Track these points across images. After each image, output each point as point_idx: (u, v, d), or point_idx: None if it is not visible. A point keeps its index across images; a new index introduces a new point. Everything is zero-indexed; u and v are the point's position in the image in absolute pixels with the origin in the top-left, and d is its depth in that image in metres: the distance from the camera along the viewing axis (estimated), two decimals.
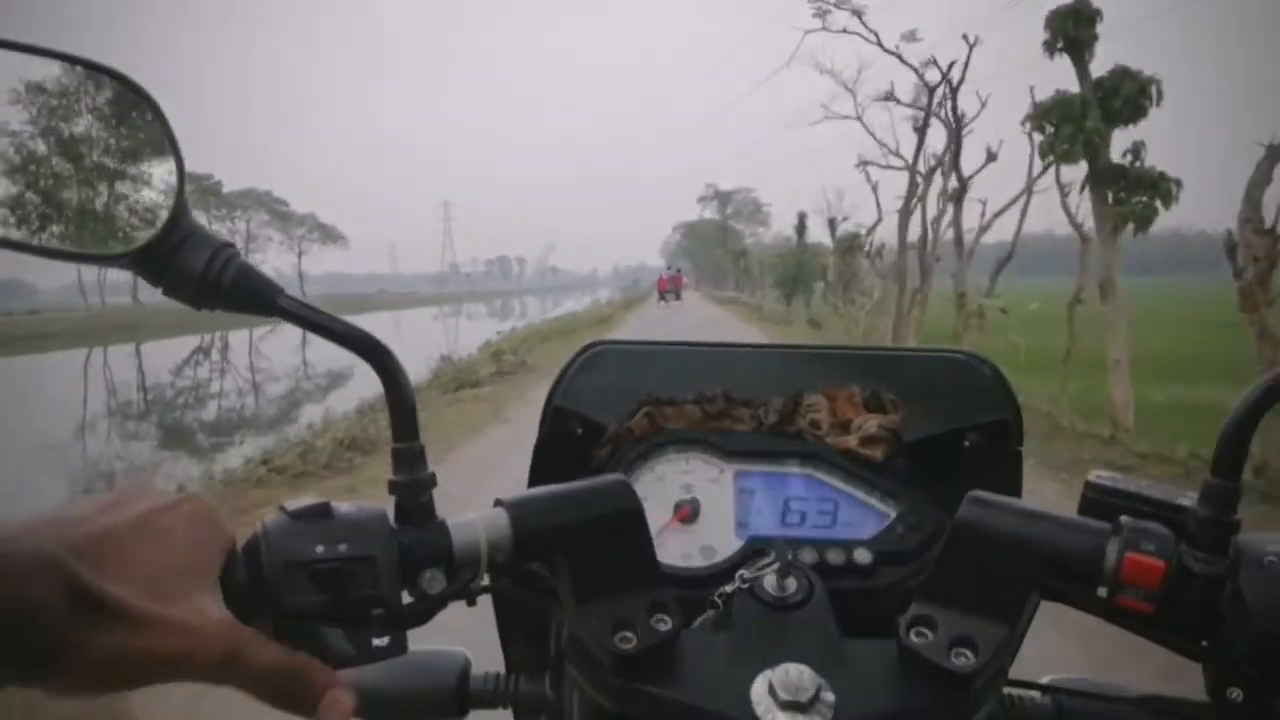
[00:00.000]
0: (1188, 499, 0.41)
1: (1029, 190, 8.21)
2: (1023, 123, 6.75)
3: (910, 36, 10.54)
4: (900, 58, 10.31)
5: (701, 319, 25.12)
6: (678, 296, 39.25)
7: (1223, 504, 0.39)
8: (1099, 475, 0.46)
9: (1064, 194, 6.86)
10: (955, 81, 9.34)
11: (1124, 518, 0.41)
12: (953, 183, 9.59)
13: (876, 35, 10.56)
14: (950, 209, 9.67)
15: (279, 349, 23.64)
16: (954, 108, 9.36)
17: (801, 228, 29.08)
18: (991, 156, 9.22)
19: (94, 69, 0.39)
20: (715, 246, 66.69)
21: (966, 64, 9.08)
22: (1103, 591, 0.40)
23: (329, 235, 75.49)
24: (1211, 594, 0.39)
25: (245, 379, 20.33)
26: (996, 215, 9.10)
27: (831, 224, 18.64)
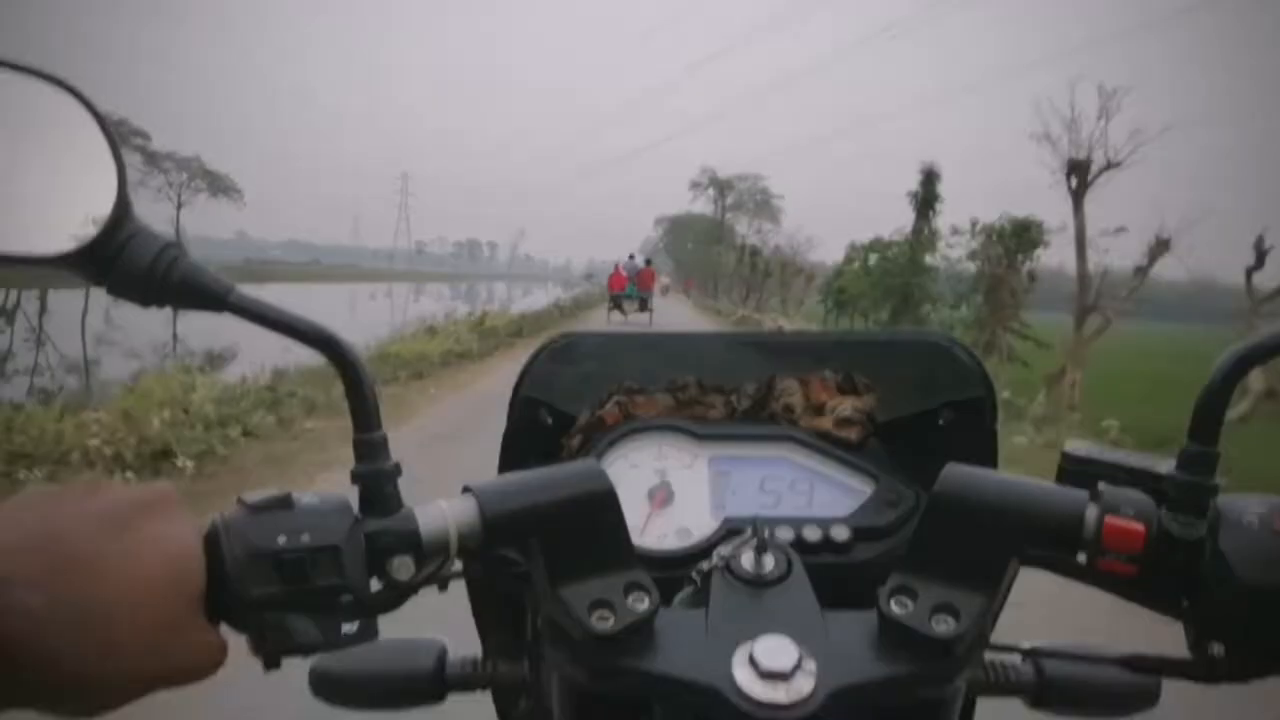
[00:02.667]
0: (1166, 466, 0.46)
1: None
2: None
3: None
4: None
5: None
6: (645, 306, 23.03)
7: (1201, 468, 0.43)
8: (1074, 446, 0.50)
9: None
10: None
11: (1102, 484, 0.45)
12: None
13: None
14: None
15: (142, 319, 18.99)
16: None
17: (928, 199, 15.96)
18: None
19: (24, 71, 0.42)
20: (709, 244, 58.97)
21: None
22: (1082, 557, 0.44)
23: (219, 186, 61.76)
24: (1193, 555, 0.43)
25: (70, 354, 16.62)
26: None
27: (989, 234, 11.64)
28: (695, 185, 63.30)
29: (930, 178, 15.92)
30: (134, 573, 0.35)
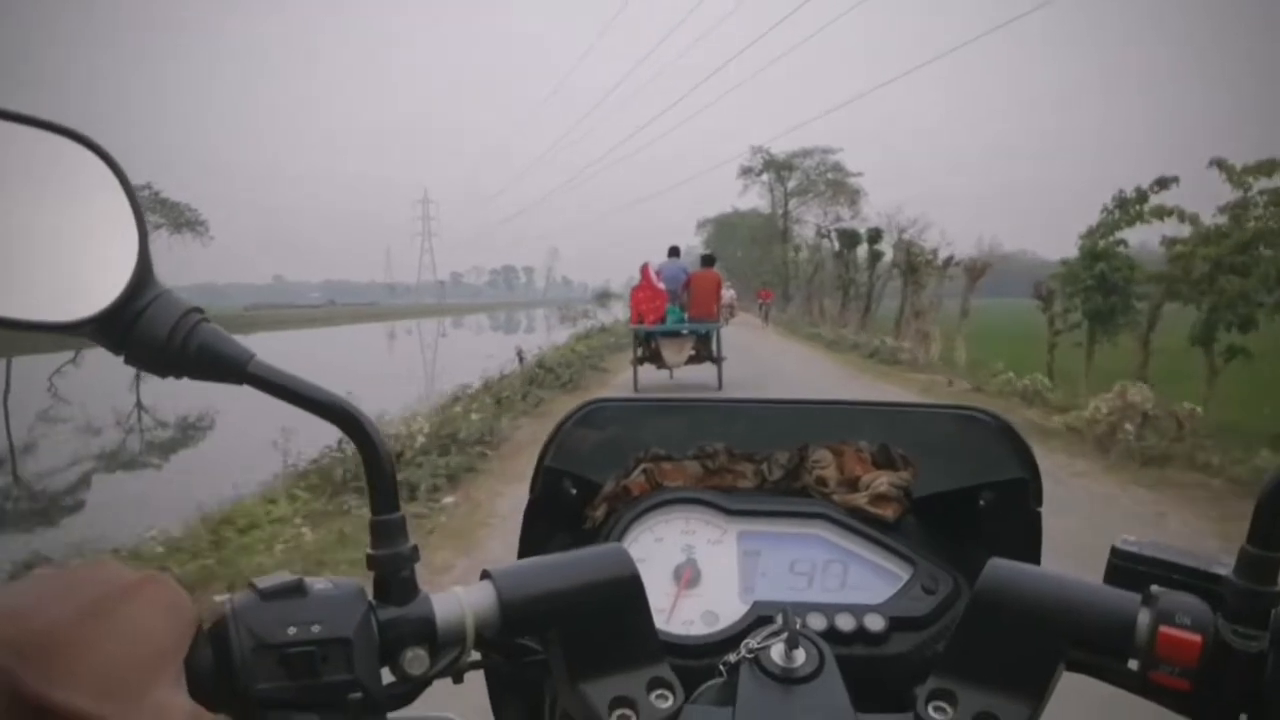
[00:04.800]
0: (1222, 567, 0.46)
1: None
2: None
3: None
4: None
5: None
6: (707, 352, 11.24)
7: (1262, 574, 0.44)
8: (1126, 540, 0.51)
9: None
10: None
11: (1155, 587, 0.46)
12: None
13: None
14: None
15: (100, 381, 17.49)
16: None
17: None
18: None
19: (48, 129, 0.43)
20: (767, 243, 50.65)
21: None
22: (1134, 664, 0.45)
23: (180, 220, 53.39)
24: (1253, 671, 0.43)
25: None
26: None
27: None
28: (746, 172, 51.32)
29: None
30: (117, 658, 0.35)
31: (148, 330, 0.43)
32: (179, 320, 0.44)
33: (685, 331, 11.15)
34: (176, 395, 14.12)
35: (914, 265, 20.01)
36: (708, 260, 12.60)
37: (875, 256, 25.09)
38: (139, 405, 16.34)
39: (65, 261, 0.43)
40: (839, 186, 47.73)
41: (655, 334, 11.18)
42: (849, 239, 28.31)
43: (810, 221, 47.25)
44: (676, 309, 11.15)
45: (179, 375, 0.45)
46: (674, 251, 11.96)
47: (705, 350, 11.29)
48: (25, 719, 0.31)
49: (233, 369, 0.45)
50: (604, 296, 45.56)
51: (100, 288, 0.43)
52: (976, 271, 18.09)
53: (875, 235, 25.84)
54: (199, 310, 0.45)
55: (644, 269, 11.50)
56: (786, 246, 46.75)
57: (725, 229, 61.94)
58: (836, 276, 29.39)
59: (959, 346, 16.87)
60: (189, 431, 13.65)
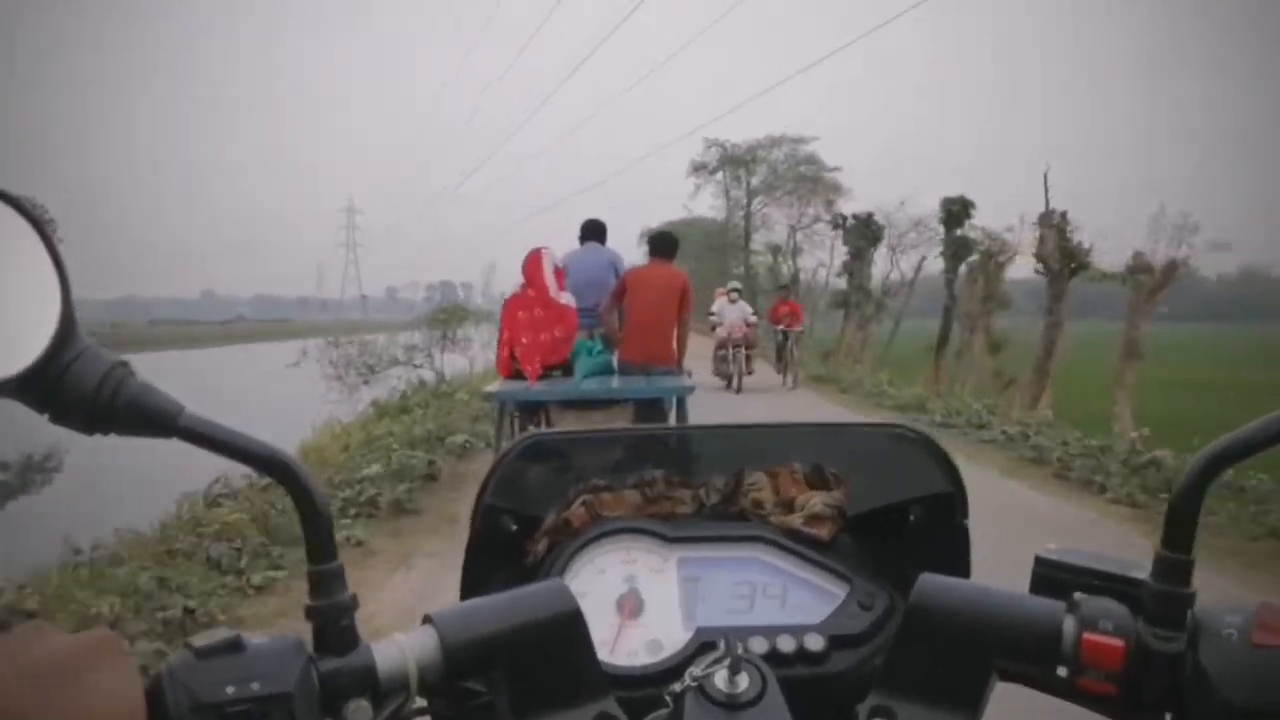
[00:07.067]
0: (1141, 571, 0.53)
1: None
2: None
3: None
4: None
5: None
6: None
7: (1177, 577, 0.50)
8: (1049, 550, 0.57)
9: None
10: None
11: (1078, 594, 0.52)
12: None
13: None
14: None
15: None
16: None
17: None
18: None
19: None
20: (726, 252, 45.39)
21: None
22: (1062, 671, 0.51)
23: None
24: (1172, 671, 0.49)
25: None
26: None
27: None
28: (699, 169, 44.61)
29: None
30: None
31: (73, 386, 0.45)
32: (105, 374, 0.46)
33: (616, 390, 5.86)
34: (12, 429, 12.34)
35: (1060, 267, 12.93)
36: (662, 246, 6.70)
37: (981, 258, 16.30)
38: None
39: None
40: (814, 182, 42.43)
41: (545, 400, 5.78)
42: (865, 233, 21.68)
43: (781, 223, 42.45)
44: (594, 342, 6.24)
45: (106, 432, 0.47)
46: (592, 231, 6.80)
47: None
48: None
49: (163, 422, 0.48)
50: (447, 318, 16.79)
51: (22, 345, 0.44)
52: (1158, 280, 11.79)
53: (960, 208, 17.41)
54: (124, 364, 0.47)
55: (533, 259, 5.90)
56: (749, 253, 43.55)
57: (680, 235, 50.66)
58: (858, 288, 22.11)
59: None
60: (32, 469, 12.76)
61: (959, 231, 17.86)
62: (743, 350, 13.96)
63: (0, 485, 12.15)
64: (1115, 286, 12.72)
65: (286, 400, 14.70)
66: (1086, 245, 13.26)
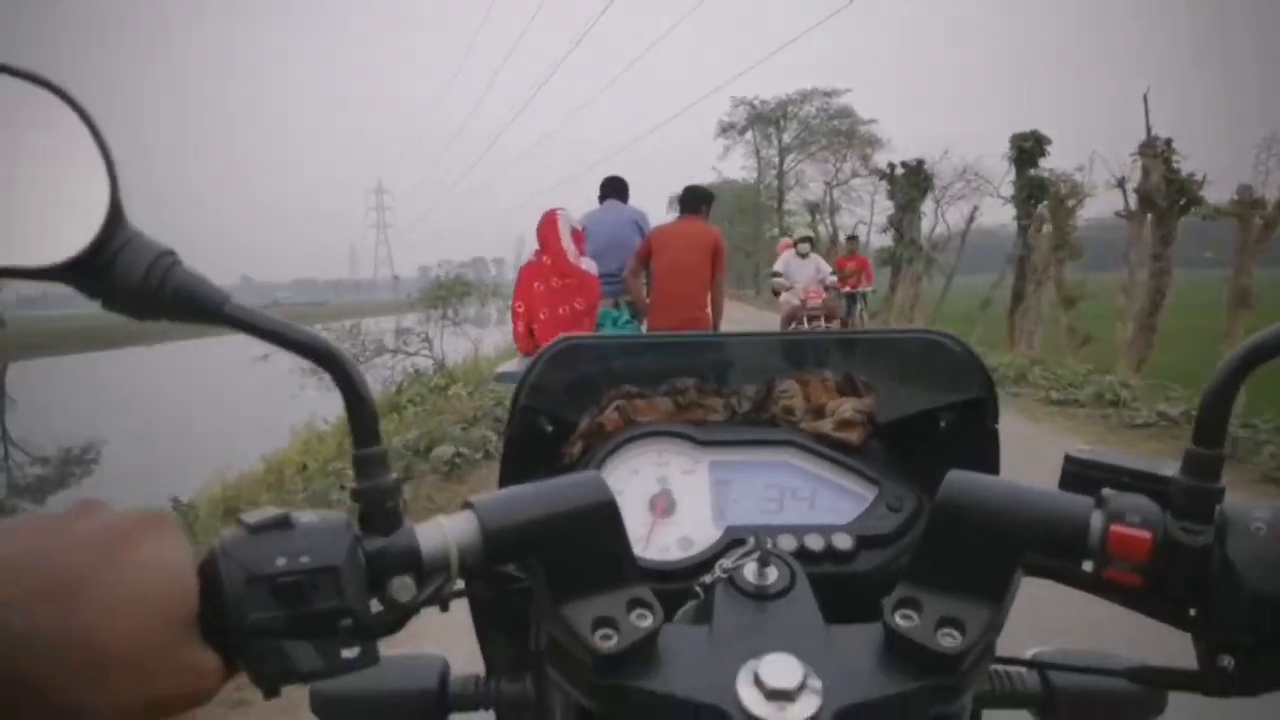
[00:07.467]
0: (1170, 469, 0.52)
1: None
2: None
3: None
4: None
5: None
6: None
7: (1206, 472, 0.50)
8: (1079, 450, 0.56)
9: None
10: None
11: (1106, 490, 0.52)
12: None
13: None
14: None
15: None
16: None
17: None
18: None
19: (8, 73, 0.44)
20: (760, 214, 43.40)
21: None
22: (1088, 565, 0.51)
23: None
24: (1199, 564, 0.49)
25: None
26: None
27: None
28: (727, 129, 43.68)
29: None
30: (123, 598, 0.38)
31: (123, 274, 0.46)
32: (153, 262, 0.47)
33: None
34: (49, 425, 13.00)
35: (1169, 204, 11.01)
36: (691, 201, 6.16)
37: (1051, 201, 14.12)
38: (5, 438, 15.48)
39: (35, 207, 0.45)
40: (849, 135, 40.07)
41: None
42: (915, 183, 19.50)
43: (816, 180, 40.32)
44: (620, 311, 5.87)
45: (156, 318, 0.48)
46: (612, 188, 6.25)
47: None
48: (43, 654, 0.34)
49: (209, 310, 0.49)
50: (446, 294, 12.53)
51: (72, 232, 0.45)
52: (1270, 215, 9.90)
53: (1033, 144, 14.45)
54: (172, 253, 0.48)
55: (547, 222, 5.36)
56: (784, 214, 41.24)
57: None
58: (910, 243, 19.48)
59: None
60: (71, 463, 12.79)
61: (1032, 172, 14.82)
62: (821, 324, 9.87)
63: (40, 479, 12.56)
64: (1219, 225, 10.35)
65: (286, 400, 12.12)
66: (1198, 177, 10.79)
